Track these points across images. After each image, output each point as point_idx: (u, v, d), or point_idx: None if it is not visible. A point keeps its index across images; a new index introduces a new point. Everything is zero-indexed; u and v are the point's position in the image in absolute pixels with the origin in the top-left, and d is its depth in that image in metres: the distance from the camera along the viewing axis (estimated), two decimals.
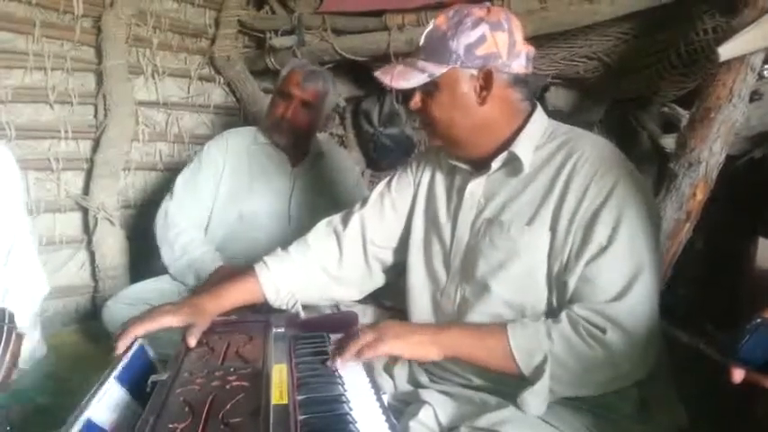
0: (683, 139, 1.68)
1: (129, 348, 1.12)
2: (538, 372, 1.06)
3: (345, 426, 0.89)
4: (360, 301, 1.49)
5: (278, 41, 2.69)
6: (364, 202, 1.43)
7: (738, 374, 0.79)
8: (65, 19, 2.39)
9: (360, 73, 2.71)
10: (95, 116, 2.51)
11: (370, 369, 1.12)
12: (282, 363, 1.08)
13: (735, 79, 1.61)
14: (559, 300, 1.14)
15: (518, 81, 1.19)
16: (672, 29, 1.97)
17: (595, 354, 1.05)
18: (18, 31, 2.28)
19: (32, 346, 1.70)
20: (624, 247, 1.08)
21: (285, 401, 0.92)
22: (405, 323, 1.24)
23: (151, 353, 1.18)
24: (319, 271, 1.39)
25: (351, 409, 0.93)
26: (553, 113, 1.47)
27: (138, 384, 1.03)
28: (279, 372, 1.03)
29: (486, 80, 1.17)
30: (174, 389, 0.95)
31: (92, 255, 2.49)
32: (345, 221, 1.41)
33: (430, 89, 1.20)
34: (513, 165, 1.20)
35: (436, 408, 1.13)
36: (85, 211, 2.49)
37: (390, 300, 1.53)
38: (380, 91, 2.79)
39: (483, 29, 1.15)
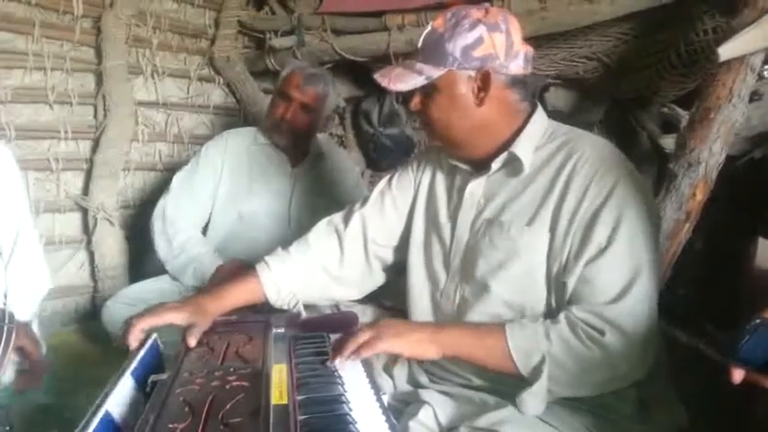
0: (683, 140, 1.68)
1: (143, 343, 1.13)
2: (536, 372, 1.06)
3: (345, 426, 0.89)
4: (360, 301, 1.49)
5: (278, 42, 2.69)
6: (365, 200, 1.43)
7: (738, 374, 0.79)
8: (64, 19, 2.39)
9: (359, 73, 2.71)
10: (95, 116, 2.51)
11: (369, 369, 1.13)
12: (282, 363, 1.08)
13: (735, 79, 1.61)
14: (559, 300, 1.14)
15: (516, 82, 1.19)
16: (672, 29, 1.97)
17: (593, 355, 1.05)
18: (18, 31, 2.28)
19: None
20: (623, 247, 1.08)
21: (285, 401, 0.92)
22: (404, 321, 1.24)
23: (162, 349, 1.19)
24: (320, 270, 1.39)
25: (351, 410, 0.93)
26: (553, 114, 1.47)
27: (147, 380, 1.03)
28: (279, 372, 1.03)
29: (484, 81, 1.17)
30: (174, 389, 0.95)
31: (91, 255, 2.49)
32: (346, 220, 1.41)
33: (429, 91, 1.20)
34: (514, 165, 1.20)
35: (436, 408, 1.13)
36: (85, 212, 2.49)
37: (390, 300, 1.53)
38: (380, 91, 2.79)
39: (480, 30, 1.15)
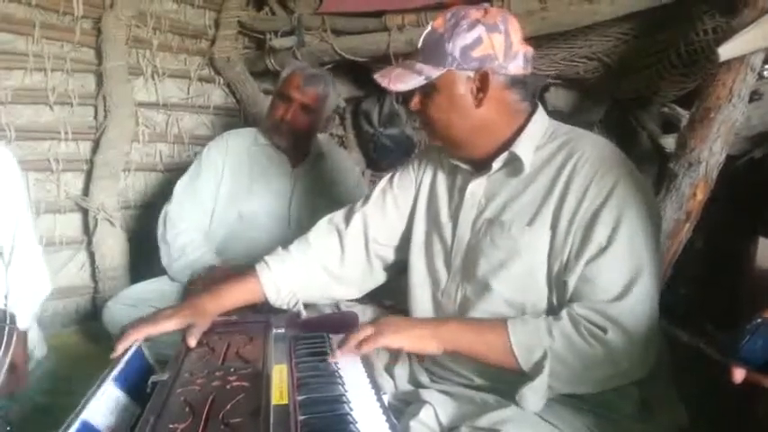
0: (683, 139, 1.68)
1: (126, 350, 1.13)
2: (537, 368, 1.06)
3: (346, 426, 0.89)
4: (360, 301, 1.49)
5: (278, 42, 2.69)
6: (366, 199, 1.43)
7: (739, 374, 0.79)
8: (65, 20, 2.39)
9: (360, 73, 2.71)
10: (95, 117, 2.52)
11: (370, 369, 1.13)
12: (283, 363, 1.08)
13: (735, 79, 1.61)
14: (560, 299, 1.14)
15: (516, 82, 1.19)
16: (672, 29, 1.97)
17: (595, 352, 1.05)
18: (18, 32, 2.28)
19: (32, 346, 1.71)
20: (624, 247, 1.08)
21: (285, 402, 0.92)
22: (404, 318, 1.25)
23: (148, 354, 1.18)
24: (320, 269, 1.39)
25: (351, 410, 0.93)
26: (553, 114, 1.47)
27: (136, 386, 1.03)
28: (279, 372, 1.03)
29: (483, 82, 1.17)
30: (175, 389, 0.95)
31: (92, 256, 2.50)
32: (347, 219, 1.41)
33: (428, 91, 1.21)
34: (514, 165, 1.20)
35: (437, 407, 1.13)
36: (85, 212, 2.49)
37: (391, 299, 1.54)
38: (380, 91, 2.79)
39: (479, 31, 1.15)
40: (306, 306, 1.37)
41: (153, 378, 1.00)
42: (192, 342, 1.15)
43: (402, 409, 1.20)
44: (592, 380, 1.08)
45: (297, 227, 2.09)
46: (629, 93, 2.27)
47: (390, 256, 1.42)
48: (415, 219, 1.37)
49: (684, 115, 1.80)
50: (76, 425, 0.85)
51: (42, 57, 2.32)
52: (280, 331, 1.24)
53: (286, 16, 2.73)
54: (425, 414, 1.12)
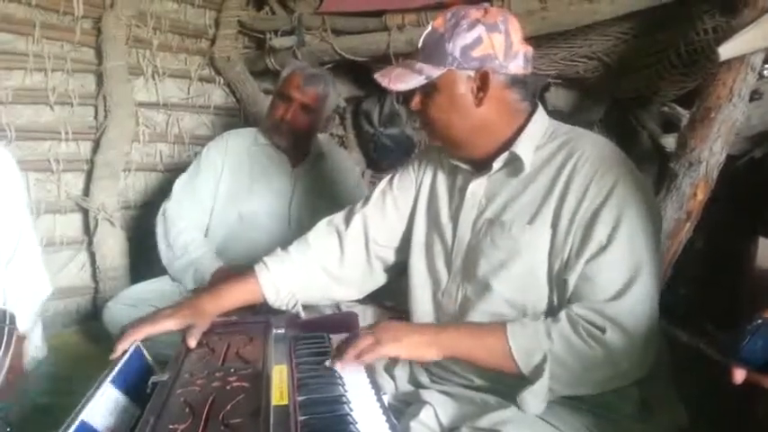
0: (684, 139, 1.68)
1: (125, 351, 1.12)
2: (537, 371, 1.06)
3: (346, 426, 0.88)
4: (360, 302, 1.49)
5: (278, 42, 2.69)
6: (366, 200, 1.43)
7: (740, 375, 0.79)
8: (65, 20, 2.40)
9: (360, 73, 2.71)
10: (95, 117, 2.52)
11: (370, 369, 1.12)
12: (283, 363, 1.08)
13: (735, 79, 1.61)
14: (560, 298, 1.14)
15: (516, 82, 1.19)
16: (672, 29, 1.97)
17: (595, 353, 1.05)
18: (18, 32, 2.28)
19: (33, 347, 1.71)
20: (624, 246, 1.08)
21: (285, 402, 0.92)
22: (403, 324, 1.24)
23: (148, 355, 1.18)
24: (320, 270, 1.39)
25: (351, 410, 0.93)
26: (553, 113, 1.47)
27: (135, 387, 1.03)
28: (279, 372, 1.03)
29: (483, 81, 1.17)
30: (175, 389, 0.95)
31: (92, 256, 2.50)
32: (347, 220, 1.41)
33: (429, 90, 1.21)
34: (514, 165, 1.20)
35: (437, 408, 1.13)
36: (86, 213, 2.49)
37: (391, 300, 1.53)
38: (381, 91, 2.79)
39: (479, 30, 1.15)
40: (306, 307, 1.37)
41: (153, 379, 1.00)
42: (192, 343, 1.15)
43: (402, 409, 1.20)
44: (592, 381, 1.08)
45: (297, 227, 2.09)
46: (630, 92, 2.27)
47: (390, 257, 1.42)
48: (415, 219, 1.37)
49: (685, 115, 1.80)
50: (75, 425, 0.85)
51: (42, 57, 2.32)
52: (280, 332, 1.24)
53: (286, 16, 2.73)
54: (425, 414, 1.12)
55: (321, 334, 1.25)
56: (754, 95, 1.74)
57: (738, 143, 1.84)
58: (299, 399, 0.95)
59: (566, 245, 1.12)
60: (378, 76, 1.24)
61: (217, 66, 2.89)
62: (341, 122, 3.07)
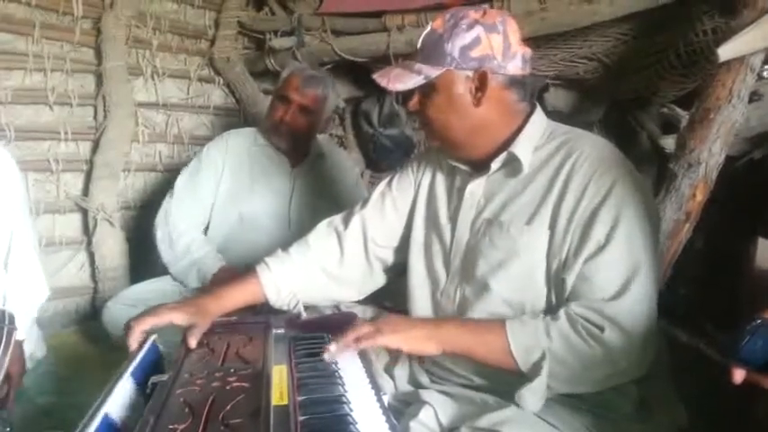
0: (683, 140, 1.68)
1: (142, 344, 1.14)
2: (536, 369, 1.06)
3: (346, 426, 0.88)
4: (360, 302, 1.49)
5: (277, 42, 2.69)
6: (365, 202, 1.43)
7: (739, 375, 0.79)
8: (64, 20, 2.39)
9: (359, 74, 2.71)
10: (95, 117, 2.52)
11: (370, 369, 1.12)
12: (282, 364, 1.08)
13: (734, 80, 1.61)
14: (558, 298, 1.14)
15: (514, 82, 1.20)
16: (671, 30, 1.97)
17: (594, 352, 1.05)
18: (18, 32, 2.28)
19: (31, 348, 1.71)
20: (622, 246, 1.09)
21: (285, 402, 0.92)
22: (403, 318, 1.25)
23: (162, 349, 1.19)
24: (320, 271, 1.40)
25: (351, 410, 0.93)
26: (553, 114, 1.47)
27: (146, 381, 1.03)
28: (279, 372, 1.03)
29: (481, 82, 1.17)
30: (175, 390, 0.95)
31: (91, 256, 2.50)
32: (347, 221, 1.41)
33: (427, 91, 1.21)
34: (513, 165, 1.21)
35: (437, 408, 1.13)
36: (85, 213, 2.49)
37: (390, 300, 1.54)
38: (380, 92, 2.79)
39: (478, 31, 1.15)
40: (306, 307, 1.37)
41: (153, 379, 1.00)
42: (193, 343, 1.15)
43: (402, 409, 1.20)
44: (590, 379, 1.09)
45: (297, 228, 2.09)
46: (629, 93, 2.27)
47: (390, 257, 1.43)
48: (414, 220, 1.37)
49: (684, 116, 1.80)
50: (99, 418, 0.85)
51: (42, 57, 2.32)
52: (279, 332, 1.24)
53: (286, 16, 2.73)
54: (425, 415, 1.12)
55: (321, 334, 1.25)
56: (754, 97, 1.74)
57: (737, 144, 1.84)
58: (299, 399, 0.95)
59: (564, 245, 1.12)
60: (377, 77, 1.25)
61: (216, 66, 2.89)
62: (340, 123, 3.07)
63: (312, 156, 2.26)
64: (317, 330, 1.27)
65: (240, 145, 2.21)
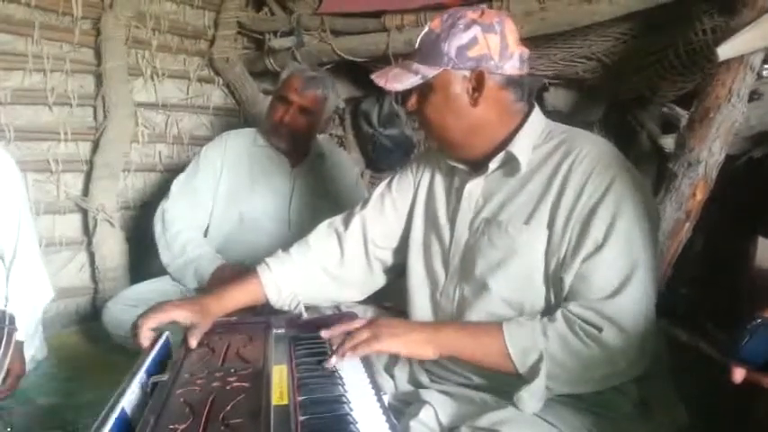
0: (683, 139, 1.68)
1: (155, 341, 1.14)
2: (534, 370, 1.06)
3: (346, 426, 0.88)
4: (360, 302, 1.49)
5: (277, 43, 2.69)
6: (365, 202, 1.43)
7: (739, 374, 0.79)
8: (64, 21, 2.39)
9: (359, 74, 2.70)
10: (95, 118, 2.52)
11: (370, 369, 1.13)
12: (282, 363, 1.08)
13: (734, 79, 1.61)
14: (557, 297, 1.14)
15: (512, 82, 1.20)
16: (671, 29, 1.97)
17: (592, 352, 1.05)
18: (17, 32, 2.28)
19: (34, 350, 1.71)
20: (620, 244, 1.08)
21: (285, 402, 0.92)
22: (402, 321, 1.25)
23: (172, 345, 1.19)
24: (320, 271, 1.40)
25: (351, 410, 0.93)
26: (552, 114, 1.47)
27: None
28: (279, 372, 1.03)
29: (479, 81, 1.17)
30: (175, 389, 0.95)
31: (92, 256, 2.50)
32: (347, 222, 1.41)
33: (425, 90, 1.21)
34: (511, 165, 1.20)
35: (437, 408, 1.13)
36: (85, 213, 2.49)
37: (390, 300, 1.54)
38: (380, 92, 2.79)
39: (475, 31, 1.15)
40: (307, 307, 1.37)
41: (153, 378, 1.00)
42: (194, 342, 1.15)
43: (402, 409, 1.20)
44: (589, 379, 1.08)
45: (297, 228, 2.10)
46: (629, 93, 2.27)
47: (389, 258, 1.43)
48: (413, 221, 1.37)
49: (684, 115, 1.80)
50: (116, 413, 0.85)
51: (42, 57, 2.32)
52: (280, 332, 1.24)
53: (285, 17, 2.73)
54: (425, 414, 1.12)
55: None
56: (753, 96, 1.74)
57: (737, 143, 1.84)
58: (299, 399, 0.95)
59: (562, 243, 1.12)
60: (375, 77, 1.25)
61: (216, 66, 2.89)
62: (340, 123, 3.06)
63: (312, 156, 2.26)
64: (317, 330, 1.26)
65: (240, 145, 2.21)
